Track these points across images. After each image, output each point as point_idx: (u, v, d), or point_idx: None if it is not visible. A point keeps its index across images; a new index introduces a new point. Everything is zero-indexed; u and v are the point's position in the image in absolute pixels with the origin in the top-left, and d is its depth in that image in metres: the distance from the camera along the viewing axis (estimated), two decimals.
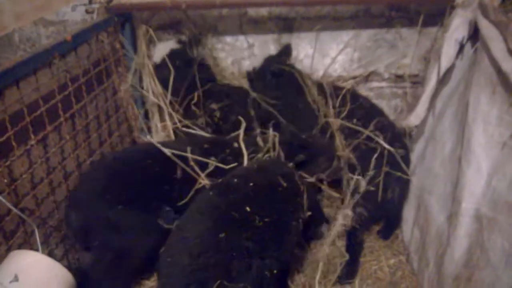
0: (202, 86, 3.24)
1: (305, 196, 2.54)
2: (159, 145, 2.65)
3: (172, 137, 3.26)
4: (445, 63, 2.84)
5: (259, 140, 2.89)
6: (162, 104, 3.23)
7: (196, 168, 2.63)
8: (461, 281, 2.35)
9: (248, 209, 2.26)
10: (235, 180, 2.44)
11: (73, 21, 2.86)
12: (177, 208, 2.56)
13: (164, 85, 3.23)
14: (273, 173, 2.52)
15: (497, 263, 2.13)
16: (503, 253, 2.10)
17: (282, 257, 2.33)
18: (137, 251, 2.51)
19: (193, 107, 3.25)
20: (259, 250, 2.19)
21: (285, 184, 2.46)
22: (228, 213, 2.25)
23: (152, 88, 3.23)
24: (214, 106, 3.20)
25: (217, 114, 3.18)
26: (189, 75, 3.25)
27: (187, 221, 2.33)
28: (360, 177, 2.88)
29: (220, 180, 2.51)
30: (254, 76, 3.59)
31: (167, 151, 2.61)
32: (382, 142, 3.01)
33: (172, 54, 3.35)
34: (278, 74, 3.44)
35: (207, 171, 2.65)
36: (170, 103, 3.27)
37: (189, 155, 2.63)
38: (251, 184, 2.40)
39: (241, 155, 2.76)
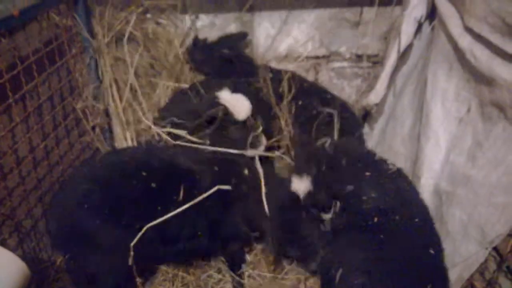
0: None
1: None
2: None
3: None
4: (404, 41, 2.88)
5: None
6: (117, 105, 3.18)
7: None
8: None
9: None
10: None
11: None
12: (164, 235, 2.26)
13: None
14: None
15: (455, 235, 2.19)
16: (461, 225, 2.16)
17: None
18: (109, 274, 2.25)
19: None
20: None
21: None
22: None
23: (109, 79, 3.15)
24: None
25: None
26: None
27: None
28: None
29: None
30: (197, 53, 3.53)
31: None
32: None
33: None
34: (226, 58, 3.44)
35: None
36: None
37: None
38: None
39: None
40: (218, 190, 2.27)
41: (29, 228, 2.56)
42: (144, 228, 2.11)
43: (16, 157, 2.43)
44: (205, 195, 2.23)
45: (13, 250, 2.24)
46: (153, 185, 2.24)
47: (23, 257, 2.08)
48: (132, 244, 2.09)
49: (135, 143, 3.20)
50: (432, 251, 2.11)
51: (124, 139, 3.21)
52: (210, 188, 2.27)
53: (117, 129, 3.25)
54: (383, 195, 2.29)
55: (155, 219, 2.15)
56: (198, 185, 2.29)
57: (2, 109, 2.25)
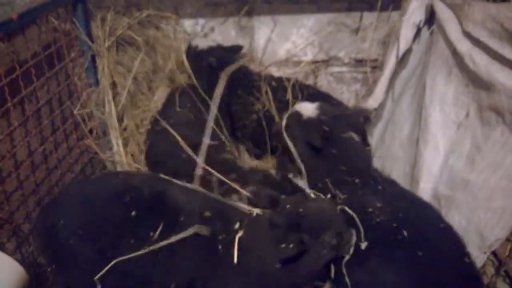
0: None
1: None
2: None
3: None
4: (403, 46, 2.89)
5: None
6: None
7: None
8: None
9: None
10: None
11: (21, 2, 2.71)
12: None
13: None
14: None
15: None
16: (460, 229, 2.15)
17: None
18: None
19: None
20: None
21: None
22: None
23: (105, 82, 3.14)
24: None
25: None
26: None
27: None
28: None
29: None
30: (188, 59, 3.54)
31: None
32: None
33: None
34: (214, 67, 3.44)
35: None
36: None
37: None
38: None
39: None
40: (205, 245, 2.00)
41: (28, 232, 2.54)
42: (112, 262, 1.93)
43: (14, 161, 2.42)
44: (173, 238, 1.95)
45: (11, 254, 2.24)
46: (133, 214, 2.04)
47: (22, 261, 2.09)
48: (96, 277, 1.93)
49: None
50: (465, 256, 1.96)
51: (117, 145, 3.21)
52: (192, 236, 1.99)
53: (111, 135, 3.25)
54: (390, 204, 2.10)
55: (128, 251, 1.95)
56: (179, 227, 2.02)
57: (0, 113, 2.24)
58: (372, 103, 3.10)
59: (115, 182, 2.24)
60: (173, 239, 1.96)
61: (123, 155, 3.16)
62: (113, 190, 2.15)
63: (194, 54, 3.52)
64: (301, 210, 1.93)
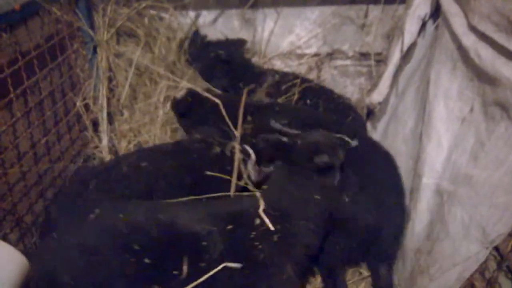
0: None
1: None
2: None
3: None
4: (407, 39, 2.86)
5: None
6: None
7: None
8: (422, 254, 2.39)
9: None
10: None
11: None
12: None
13: None
14: None
15: (456, 235, 2.17)
16: (462, 225, 2.15)
17: None
18: None
19: None
20: None
21: None
22: None
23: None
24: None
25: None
26: None
27: None
28: None
29: None
30: (193, 47, 3.54)
31: None
32: None
33: None
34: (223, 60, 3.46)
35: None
36: None
37: None
38: None
39: None
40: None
41: (30, 223, 2.56)
42: None
43: (17, 153, 2.43)
44: (207, 275, 1.76)
45: (14, 245, 2.23)
46: (146, 261, 1.78)
47: (24, 252, 2.09)
48: None
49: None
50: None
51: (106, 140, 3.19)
52: (222, 258, 1.81)
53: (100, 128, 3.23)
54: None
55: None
56: (206, 253, 1.83)
57: (3, 104, 2.25)
58: (376, 97, 3.08)
59: (119, 225, 1.90)
60: (203, 277, 1.75)
61: (107, 151, 3.16)
62: (118, 237, 1.85)
63: (201, 45, 3.51)
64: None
